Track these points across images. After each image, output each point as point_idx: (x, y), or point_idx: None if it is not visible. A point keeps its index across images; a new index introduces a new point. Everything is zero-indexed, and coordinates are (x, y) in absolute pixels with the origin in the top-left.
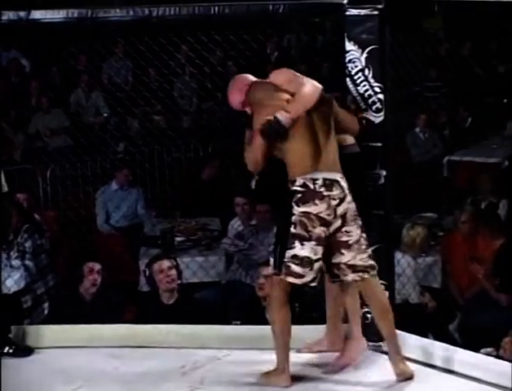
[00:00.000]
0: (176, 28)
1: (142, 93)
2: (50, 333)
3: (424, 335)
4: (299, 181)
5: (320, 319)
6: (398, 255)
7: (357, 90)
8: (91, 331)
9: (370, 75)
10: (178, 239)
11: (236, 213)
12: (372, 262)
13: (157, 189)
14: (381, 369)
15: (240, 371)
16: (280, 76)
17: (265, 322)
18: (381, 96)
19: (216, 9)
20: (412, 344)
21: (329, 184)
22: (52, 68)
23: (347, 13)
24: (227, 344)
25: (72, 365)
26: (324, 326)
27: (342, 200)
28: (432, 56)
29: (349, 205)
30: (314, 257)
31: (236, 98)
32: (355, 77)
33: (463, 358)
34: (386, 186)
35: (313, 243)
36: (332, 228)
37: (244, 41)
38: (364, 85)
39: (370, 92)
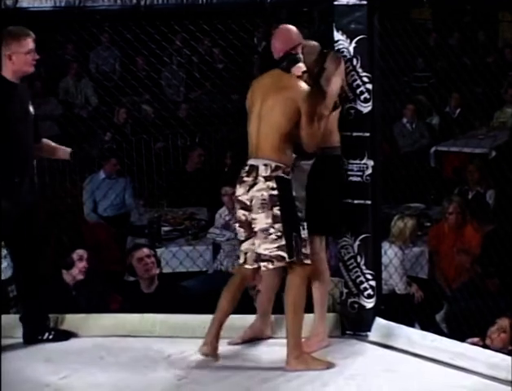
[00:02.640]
0: (164, 17)
1: (129, 82)
2: None
3: (411, 325)
4: None
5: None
6: (385, 245)
7: (345, 80)
8: (78, 320)
9: (358, 65)
10: (165, 228)
11: (224, 202)
12: (279, 253)
13: (145, 178)
14: (359, 358)
15: (226, 360)
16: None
17: (251, 311)
18: (369, 86)
19: None
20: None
21: (250, 170)
22: (40, 56)
23: (336, 3)
24: None
25: (59, 354)
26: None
27: (251, 187)
28: (420, 46)
29: (257, 193)
30: (240, 238)
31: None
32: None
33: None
34: (373, 177)
35: (237, 224)
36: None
37: (232, 31)
38: (353, 75)
39: (358, 82)
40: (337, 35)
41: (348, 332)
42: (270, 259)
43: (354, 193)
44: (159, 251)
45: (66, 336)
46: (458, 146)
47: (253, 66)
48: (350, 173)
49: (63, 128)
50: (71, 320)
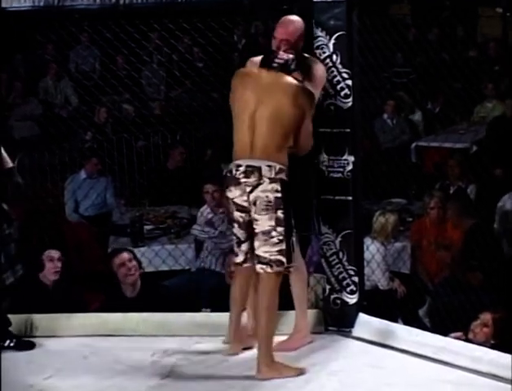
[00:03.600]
0: (143, 16)
1: (110, 81)
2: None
3: (394, 320)
4: (229, 166)
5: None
6: (367, 241)
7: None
8: (61, 320)
9: (338, 61)
10: (148, 227)
11: (206, 200)
12: (279, 258)
13: (126, 177)
14: (343, 354)
15: (210, 358)
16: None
17: None
18: (349, 82)
19: None
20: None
21: (249, 171)
22: (19, 56)
23: None
24: (197, 332)
25: (43, 354)
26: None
27: (254, 188)
28: (400, 42)
29: (261, 194)
30: (241, 238)
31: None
32: (324, 64)
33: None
34: (354, 172)
35: (236, 225)
36: (250, 215)
37: (212, 29)
38: (332, 72)
39: (338, 78)
40: (317, 31)
41: (331, 328)
42: (269, 263)
43: (335, 189)
44: (141, 250)
45: (29, 345)
46: (439, 141)
47: (233, 63)
48: (330, 169)
49: (43, 128)
50: (53, 320)
